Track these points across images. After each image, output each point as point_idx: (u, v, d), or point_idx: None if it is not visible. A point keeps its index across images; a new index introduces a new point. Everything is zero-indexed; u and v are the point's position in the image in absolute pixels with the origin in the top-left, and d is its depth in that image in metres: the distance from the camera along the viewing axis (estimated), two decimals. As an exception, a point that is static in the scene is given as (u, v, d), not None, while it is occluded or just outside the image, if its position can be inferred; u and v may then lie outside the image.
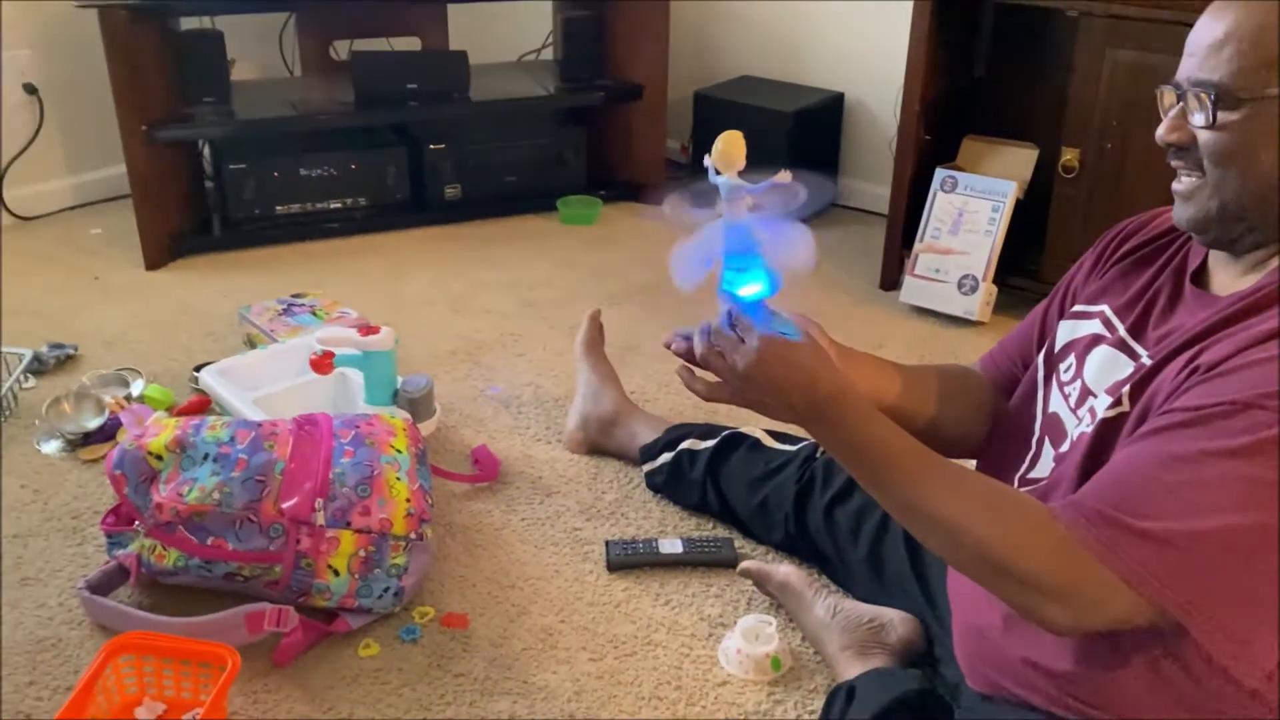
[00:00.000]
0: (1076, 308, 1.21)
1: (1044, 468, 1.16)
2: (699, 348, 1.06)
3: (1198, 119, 1.00)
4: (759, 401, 1.05)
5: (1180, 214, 1.06)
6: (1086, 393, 1.12)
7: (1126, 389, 1.04)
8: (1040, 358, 1.24)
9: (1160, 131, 1.05)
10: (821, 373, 1.03)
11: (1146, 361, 1.05)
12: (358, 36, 3.16)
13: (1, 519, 1.75)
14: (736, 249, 1.02)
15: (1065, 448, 1.13)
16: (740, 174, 1.01)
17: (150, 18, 2.59)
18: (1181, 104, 1.03)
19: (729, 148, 1.01)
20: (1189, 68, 1.02)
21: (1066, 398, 1.16)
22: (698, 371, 1.09)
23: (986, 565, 0.99)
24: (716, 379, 1.08)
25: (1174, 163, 1.06)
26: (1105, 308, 1.16)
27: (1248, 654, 0.95)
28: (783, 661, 1.47)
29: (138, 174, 2.61)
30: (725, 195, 1.01)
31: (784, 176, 1.00)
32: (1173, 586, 0.91)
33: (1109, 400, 1.06)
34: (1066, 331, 1.20)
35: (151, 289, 2.59)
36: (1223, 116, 0.98)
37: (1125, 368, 1.08)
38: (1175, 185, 1.06)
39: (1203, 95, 0.99)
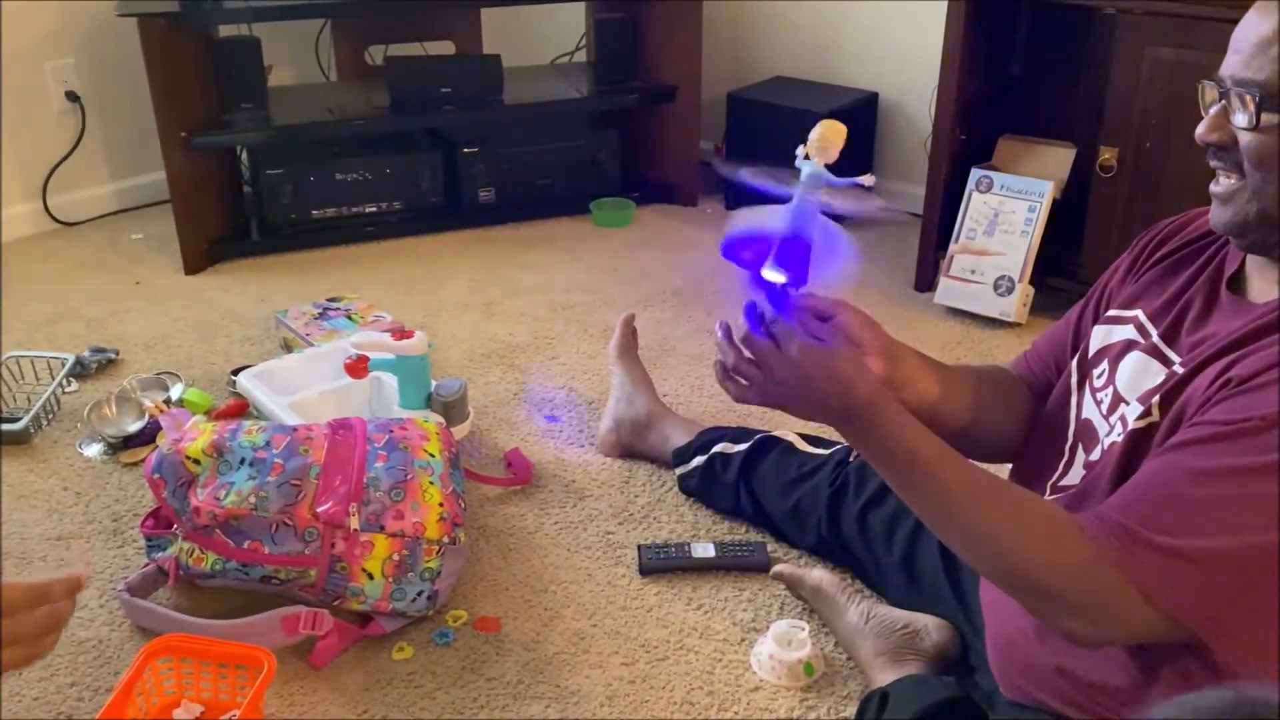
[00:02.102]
0: (1111, 312, 1.19)
1: (1075, 474, 1.14)
2: (730, 356, 1.05)
3: (1240, 119, 0.97)
4: (789, 406, 1.06)
5: (1217, 217, 1.04)
6: (1119, 399, 1.11)
7: (1157, 399, 1.02)
8: (1074, 364, 1.22)
9: (1200, 130, 1.02)
10: (857, 380, 1.03)
11: (1179, 369, 1.03)
12: (392, 42, 3.18)
13: (1, 522, 1.78)
14: (794, 236, 1.01)
15: (1096, 455, 1.12)
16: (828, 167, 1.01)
17: (189, 26, 2.63)
18: (1224, 102, 0.99)
19: (829, 135, 1.00)
20: (1233, 65, 0.98)
21: (1099, 404, 1.14)
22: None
23: (1011, 576, 0.99)
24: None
25: (1213, 163, 1.03)
26: (1139, 313, 1.14)
27: (1272, 670, 0.94)
28: (816, 667, 1.46)
29: (177, 180, 2.65)
30: (805, 181, 1.00)
31: (868, 179, 1.00)
32: (1194, 603, 0.91)
33: (1140, 409, 1.04)
34: (1100, 337, 1.18)
35: (191, 293, 2.63)
36: (1266, 118, 0.95)
37: (1157, 374, 1.06)
38: (1213, 187, 1.04)
39: (1246, 96, 0.96)
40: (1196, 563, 0.90)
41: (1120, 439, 1.05)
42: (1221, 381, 0.95)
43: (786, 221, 1.00)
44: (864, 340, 1.14)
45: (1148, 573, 0.92)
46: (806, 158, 1.01)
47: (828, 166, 1.01)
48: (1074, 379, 1.21)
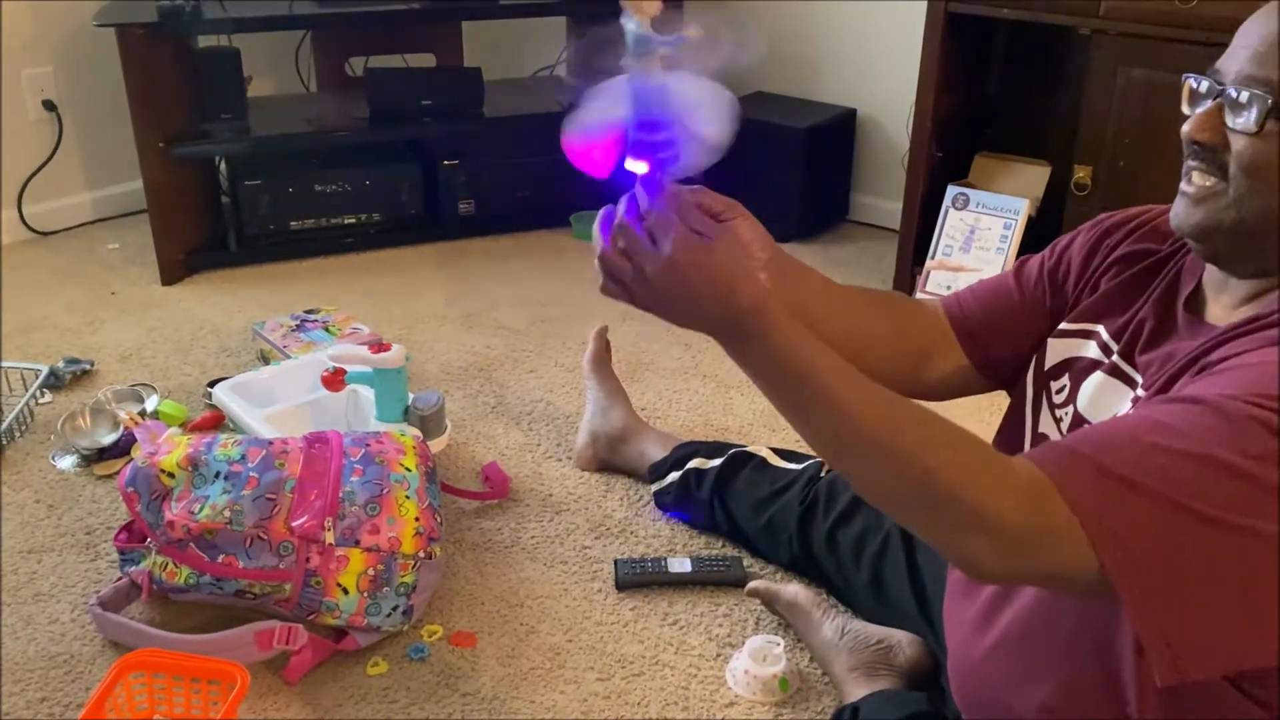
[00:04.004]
0: (1072, 326, 1.15)
1: None
2: (600, 245, 0.88)
3: (1243, 120, 0.91)
4: (665, 311, 0.89)
5: (1184, 217, 0.97)
6: (1080, 421, 1.08)
7: None
8: (1029, 376, 1.18)
9: (1189, 128, 0.95)
10: (741, 281, 0.85)
11: (1142, 393, 1.01)
12: (373, 53, 3.18)
13: (1, 533, 1.77)
14: (644, 115, 0.83)
15: None
16: (654, 24, 0.82)
17: (168, 36, 2.62)
18: (1219, 100, 0.93)
19: None
20: (1239, 61, 0.92)
21: (1057, 422, 1.12)
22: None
23: (926, 495, 0.84)
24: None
25: (1191, 162, 0.96)
26: (1101, 329, 1.11)
27: (1176, 640, 0.83)
28: (790, 682, 1.46)
29: (155, 190, 2.64)
30: (633, 48, 0.82)
31: (694, 31, 0.82)
32: (1127, 538, 0.81)
33: None
34: (1061, 350, 1.15)
35: (167, 304, 2.61)
36: (1271, 125, 0.89)
37: (1123, 396, 1.04)
38: (1184, 186, 0.97)
39: (1255, 96, 0.89)
40: (1143, 494, 0.81)
41: None
42: (1198, 369, 0.91)
43: (631, 101, 0.83)
44: (750, 250, 1.00)
45: (1090, 494, 0.81)
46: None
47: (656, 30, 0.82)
48: (1030, 391, 1.17)
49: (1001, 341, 1.21)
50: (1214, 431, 0.82)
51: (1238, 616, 0.84)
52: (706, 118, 0.85)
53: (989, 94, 2.72)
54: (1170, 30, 2.10)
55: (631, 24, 0.82)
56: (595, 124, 0.86)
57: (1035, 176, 2.59)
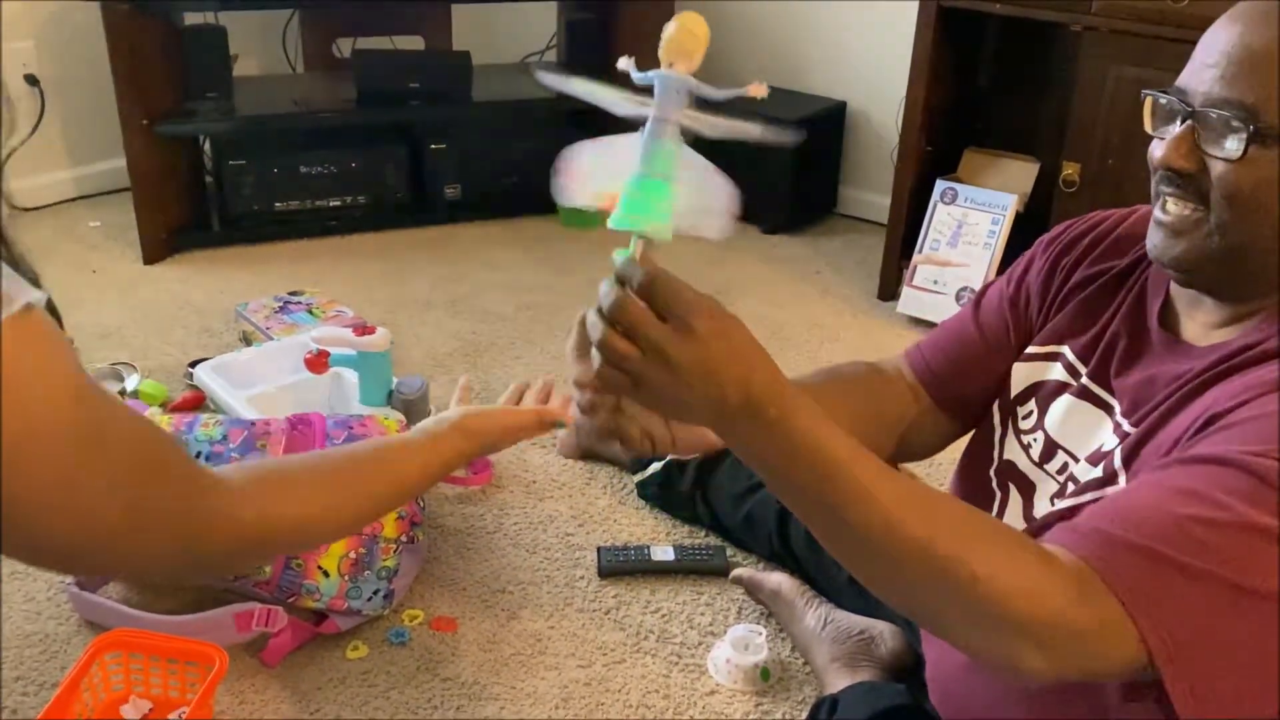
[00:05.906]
0: (1036, 349, 1.10)
1: (1012, 519, 1.06)
2: (596, 332, 0.76)
3: (1227, 146, 0.84)
4: (675, 399, 0.75)
5: (1164, 249, 0.91)
6: (1053, 446, 1.04)
7: (1119, 464, 0.93)
8: (996, 404, 1.14)
9: (1163, 154, 0.88)
10: (757, 356, 0.76)
11: (1121, 419, 0.95)
12: (361, 34, 3.15)
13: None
14: (646, 176, 0.77)
15: (1042, 513, 1.02)
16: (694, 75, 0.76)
17: (153, 12, 2.58)
18: (1189, 122, 0.87)
19: (687, 30, 0.74)
20: (1206, 80, 0.86)
21: (1026, 448, 1.07)
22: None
23: (971, 604, 0.75)
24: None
25: (1165, 189, 0.90)
26: (1066, 349, 1.06)
27: (1218, 712, 0.78)
28: (772, 672, 1.46)
29: (138, 168, 2.61)
30: (661, 93, 0.75)
31: (758, 90, 0.75)
32: (1169, 622, 0.76)
33: (1095, 472, 0.95)
34: (1026, 375, 1.10)
35: (149, 283, 2.59)
36: (1254, 151, 0.83)
37: (1097, 422, 0.99)
38: (1160, 215, 0.91)
39: (1234, 120, 0.83)
40: (1187, 574, 0.76)
41: (1080, 505, 0.94)
42: (1204, 419, 0.85)
43: (640, 155, 0.76)
44: None
45: (1135, 581, 0.75)
46: (640, 69, 0.76)
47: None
48: (996, 418, 1.13)
49: (973, 388, 1.16)
50: (1246, 495, 0.77)
51: (1276, 675, 0.80)
52: (707, 203, 0.78)
53: (979, 89, 2.72)
54: (1162, 29, 2.11)
55: (660, 73, 0.76)
56: (596, 169, 0.80)
57: (1024, 172, 2.59)
